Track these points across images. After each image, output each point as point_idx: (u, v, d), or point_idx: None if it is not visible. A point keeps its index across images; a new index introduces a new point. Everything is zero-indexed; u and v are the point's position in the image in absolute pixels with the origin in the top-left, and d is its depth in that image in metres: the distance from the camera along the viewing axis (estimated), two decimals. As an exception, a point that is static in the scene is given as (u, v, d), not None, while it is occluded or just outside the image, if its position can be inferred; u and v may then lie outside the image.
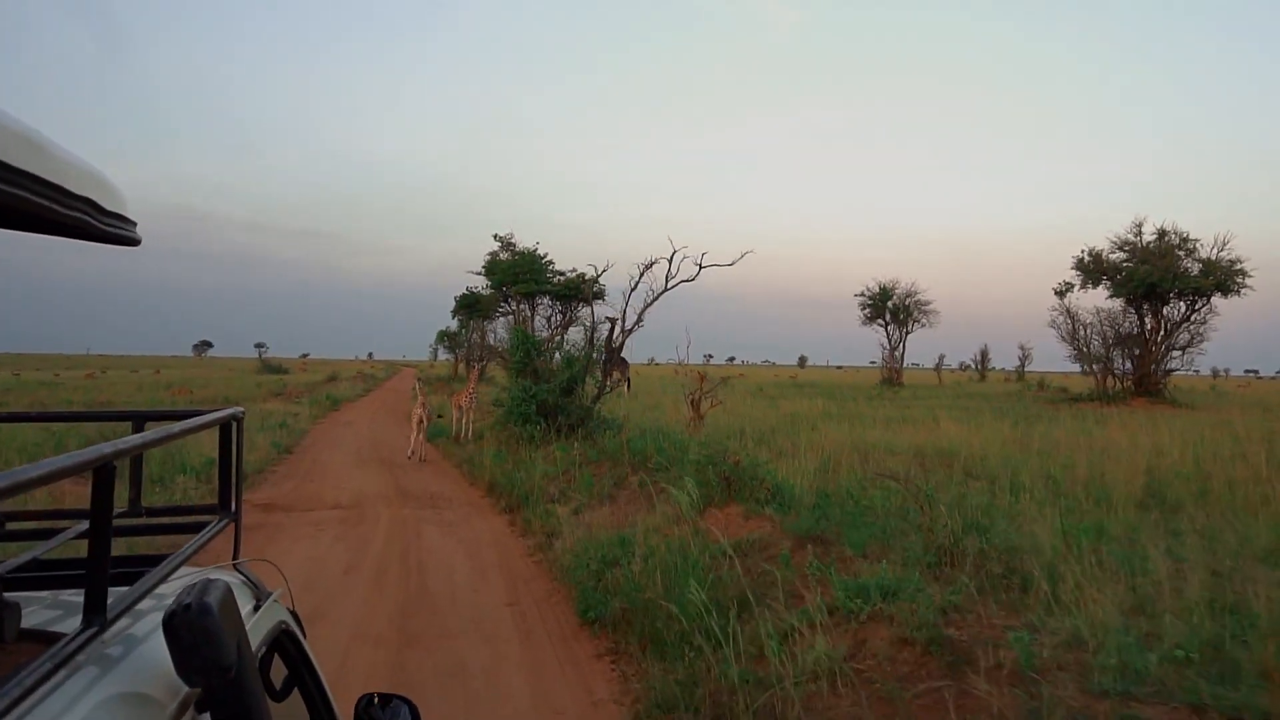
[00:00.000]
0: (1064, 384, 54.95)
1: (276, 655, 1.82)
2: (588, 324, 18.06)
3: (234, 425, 1.80)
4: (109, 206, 1.24)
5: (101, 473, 1.11)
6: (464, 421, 20.96)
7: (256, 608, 1.75)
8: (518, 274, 39.88)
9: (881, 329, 63.92)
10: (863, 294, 63.36)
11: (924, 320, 64.09)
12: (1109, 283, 38.40)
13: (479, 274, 42.67)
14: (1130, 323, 38.24)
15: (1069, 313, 39.47)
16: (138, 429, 1.92)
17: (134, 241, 1.38)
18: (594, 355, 17.65)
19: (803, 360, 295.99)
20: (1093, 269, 38.88)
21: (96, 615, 1.14)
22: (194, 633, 1.08)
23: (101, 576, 1.14)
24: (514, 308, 42.24)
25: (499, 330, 44.76)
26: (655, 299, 17.78)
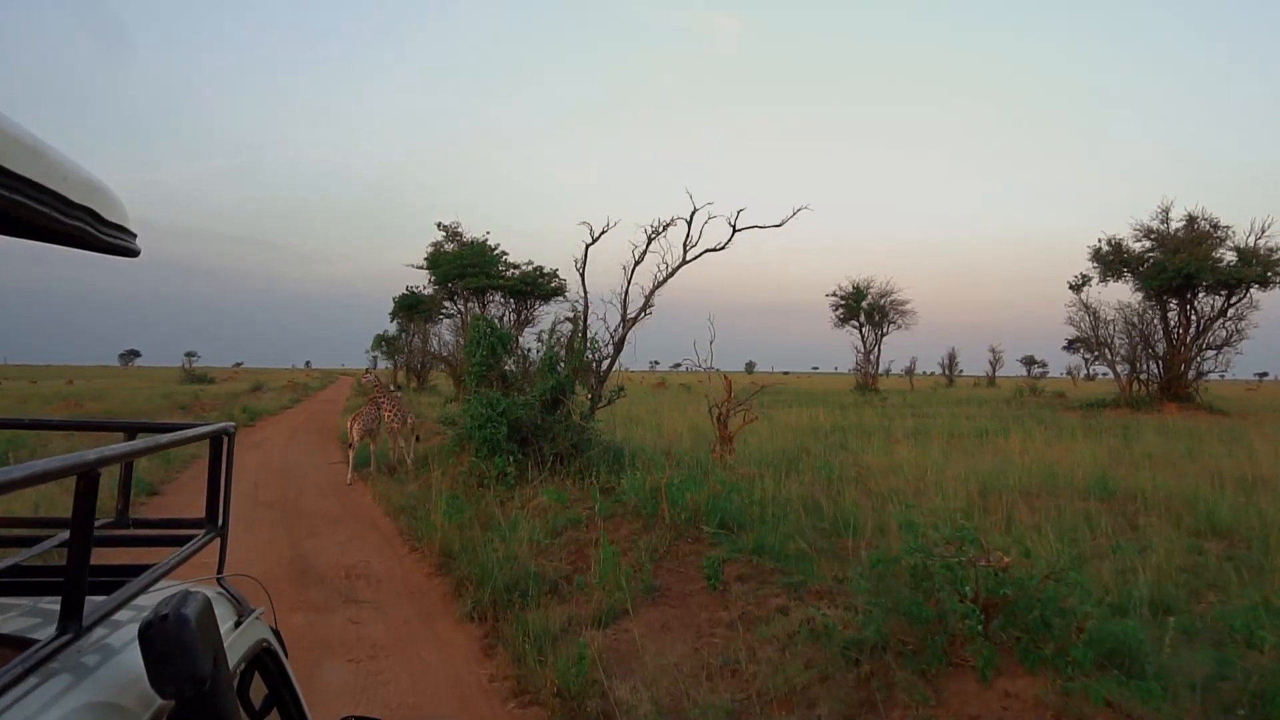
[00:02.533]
0: (1057, 389, 51.63)
1: (257, 673, 1.80)
2: (568, 316, 12.87)
3: (225, 439, 1.79)
4: (109, 217, 1.23)
5: (85, 479, 1.12)
6: (403, 447, 15.96)
7: (238, 624, 1.73)
8: (465, 267, 34.52)
9: (856, 331, 59.96)
10: (835, 294, 59.06)
11: (900, 322, 60.22)
12: (1131, 275, 34.39)
13: (421, 268, 37.10)
14: (1155, 320, 34.23)
15: (1089, 309, 35.32)
16: (129, 439, 1.85)
17: (134, 253, 1.36)
18: (590, 352, 12.50)
19: (750, 366, 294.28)
20: (1113, 260, 34.79)
21: (72, 622, 1.15)
22: (169, 643, 1.07)
23: (79, 583, 1.16)
24: (461, 307, 36.81)
25: (443, 333, 39.24)
26: (671, 274, 12.78)
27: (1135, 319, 34.36)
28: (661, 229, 12.70)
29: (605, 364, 12.80)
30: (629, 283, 12.90)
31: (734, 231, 12.67)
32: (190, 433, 1.62)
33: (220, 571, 1.92)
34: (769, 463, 12.74)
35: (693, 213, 12.74)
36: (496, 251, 35.60)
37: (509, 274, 35.20)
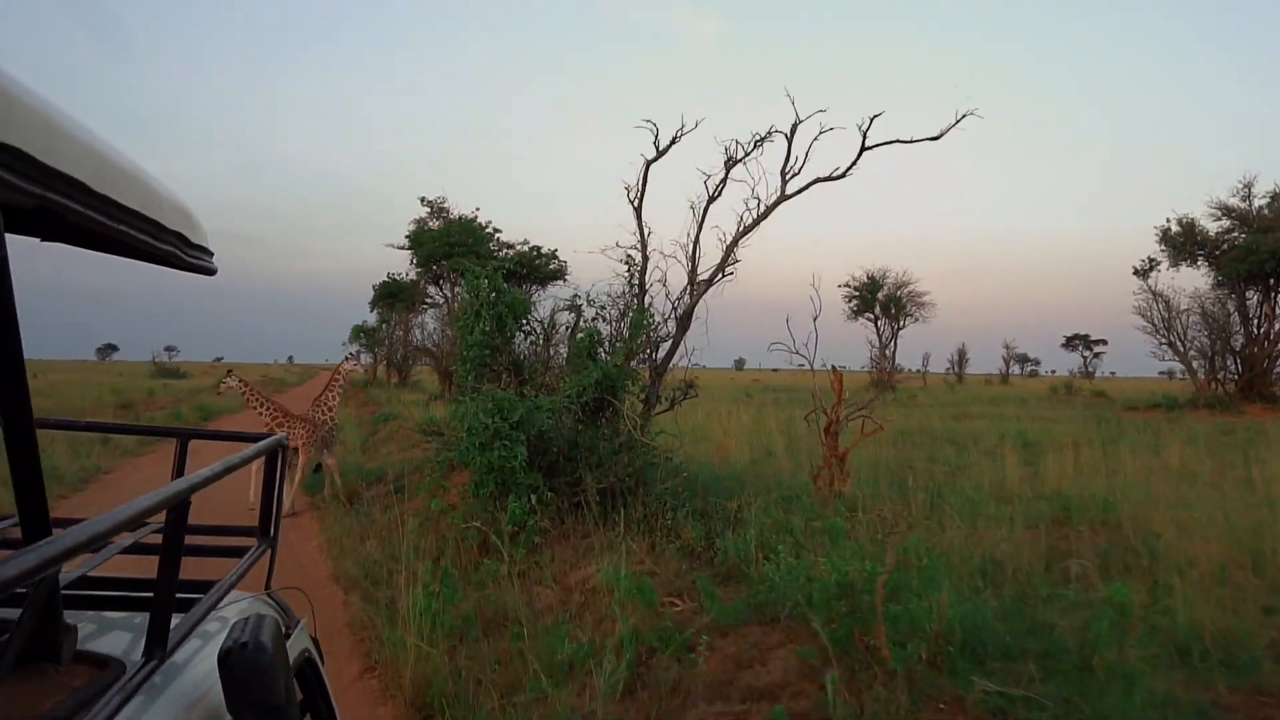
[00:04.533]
0: (1094, 389, 47.86)
1: (296, 683, 1.75)
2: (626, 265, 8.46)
3: (280, 452, 1.82)
4: (195, 240, 1.31)
5: (177, 510, 1.16)
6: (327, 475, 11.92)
7: (286, 636, 1.66)
8: (452, 245, 30.16)
9: (870, 324, 56.10)
10: (848, 284, 55.01)
11: (918, 314, 56.44)
12: (1205, 260, 30.39)
13: (402, 248, 32.70)
14: (1232, 310, 30.21)
15: (1159, 297, 31.25)
16: (183, 446, 1.99)
17: (213, 271, 1.43)
18: (647, 330, 8.20)
19: (740, 363, 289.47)
20: (1184, 243, 30.74)
21: (158, 647, 1.16)
22: (248, 671, 1.08)
23: (166, 609, 1.17)
24: (447, 292, 32.48)
25: (427, 323, 34.85)
26: (765, 214, 8.60)
27: (1213, 308, 30.27)
28: (753, 146, 8.50)
29: (665, 348, 8.58)
30: (700, 226, 8.69)
31: (862, 150, 8.48)
32: (252, 450, 1.58)
33: (269, 582, 1.92)
34: (897, 490, 8.65)
35: (794, 126, 8.54)
36: (488, 229, 31.31)
37: (502, 254, 30.89)
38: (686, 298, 8.69)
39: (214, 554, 1.90)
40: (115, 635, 1.38)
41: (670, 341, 8.53)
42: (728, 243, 8.64)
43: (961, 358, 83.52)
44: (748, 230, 8.65)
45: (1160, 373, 57.41)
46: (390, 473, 12.76)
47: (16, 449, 1.03)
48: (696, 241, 8.73)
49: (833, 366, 9.27)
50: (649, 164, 8.61)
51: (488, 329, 7.78)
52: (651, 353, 8.33)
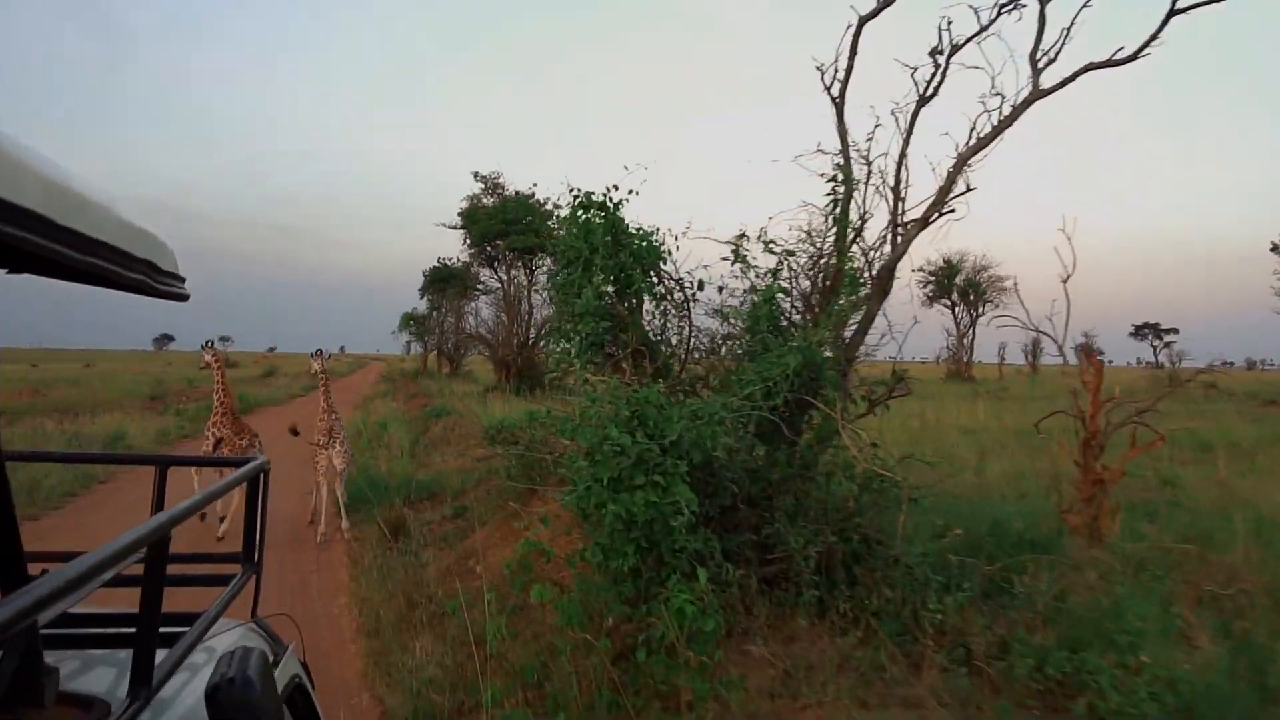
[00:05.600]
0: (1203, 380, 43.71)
1: (286, 709, 1.72)
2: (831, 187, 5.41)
3: (261, 477, 1.76)
4: (165, 267, 1.26)
5: (157, 547, 1.10)
6: (318, 502, 9.10)
7: (275, 662, 1.69)
8: (509, 223, 27.52)
9: (948, 311, 52.50)
10: (922, 269, 51.32)
11: (999, 301, 52.70)
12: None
13: (454, 227, 30.11)
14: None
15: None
16: (161, 474, 1.94)
17: (185, 297, 1.38)
18: (850, 289, 5.21)
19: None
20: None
21: (142, 687, 1.11)
22: (236, 708, 1.08)
23: (149, 649, 1.12)
24: (502, 275, 29.83)
25: (481, 309, 32.22)
26: (1008, 121, 5.64)
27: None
28: (996, 12, 5.56)
29: (854, 321, 5.68)
30: (906, 140, 5.76)
31: (1172, 13, 5.49)
32: (233, 476, 1.53)
33: (255, 610, 1.88)
34: (1167, 526, 5.82)
35: (1047, -6, 5.59)
36: (546, 205, 28.60)
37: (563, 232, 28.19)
38: (886, 247, 5.80)
39: (197, 584, 1.82)
40: (98, 673, 1.34)
41: (863, 312, 5.62)
42: (955, 161, 5.71)
43: (1036, 348, 79.32)
44: (984, 143, 5.73)
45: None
46: (447, 487, 10.08)
47: None
48: (902, 162, 5.82)
49: (1086, 350, 6.36)
50: (862, 23, 5.67)
51: (604, 290, 4.98)
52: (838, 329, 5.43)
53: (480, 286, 34.66)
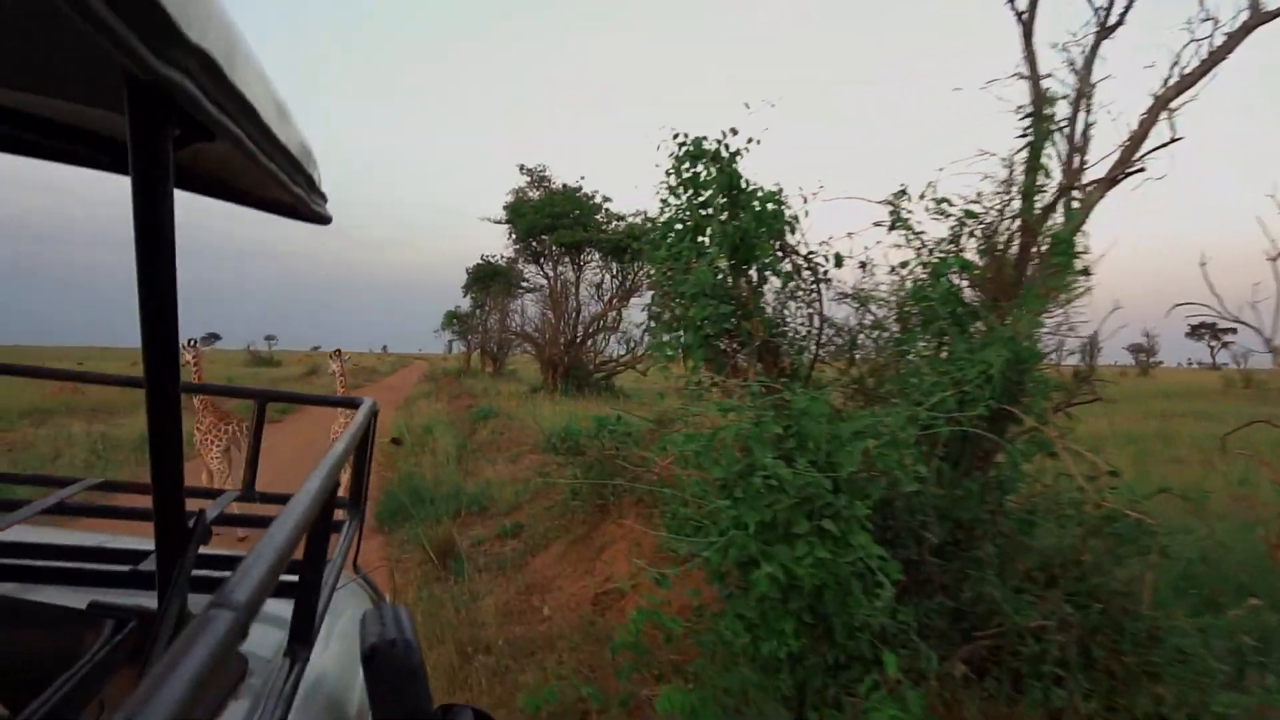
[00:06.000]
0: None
1: None
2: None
3: (372, 419, 1.67)
4: (319, 185, 1.18)
5: (326, 492, 0.92)
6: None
7: None
8: (556, 217, 26.47)
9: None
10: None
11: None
12: None
13: (499, 222, 29.10)
14: None
15: None
16: (260, 408, 1.92)
17: (329, 220, 1.30)
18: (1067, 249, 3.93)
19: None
20: None
21: (303, 647, 1.06)
22: (398, 673, 1.00)
23: (312, 608, 1.08)
24: (549, 271, 28.76)
25: (527, 307, 31.13)
26: (1227, 48, 4.38)
27: None
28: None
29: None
30: (1086, 74, 4.52)
31: None
32: (358, 421, 1.41)
33: (356, 560, 1.80)
34: None
35: None
36: (594, 199, 27.51)
37: (611, 226, 27.06)
38: (1057, 215, 4.57)
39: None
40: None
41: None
42: (1151, 105, 4.46)
43: (1150, 345, 76.78)
44: (1190, 81, 4.47)
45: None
46: (499, 500, 8.99)
47: (160, 421, 0.88)
48: (1079, 108, 4.57)
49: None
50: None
51: (721, 265, 3.79)
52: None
53: (525, 284, 33.73)
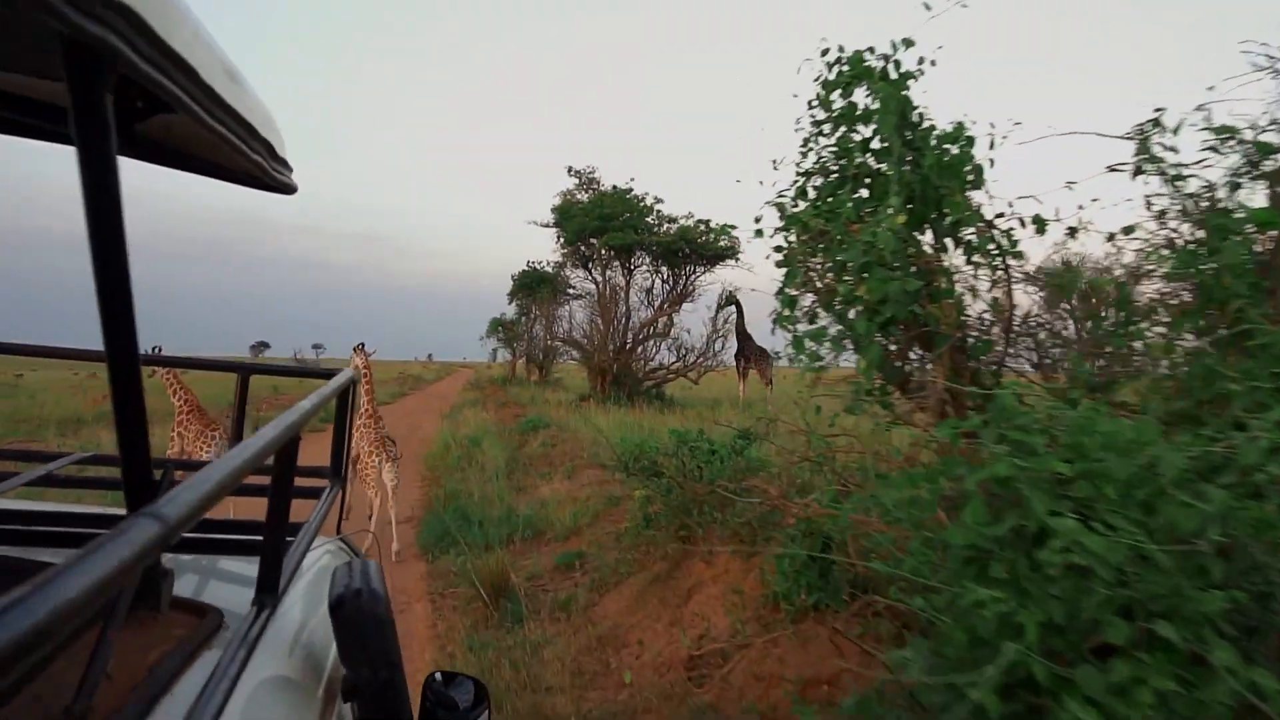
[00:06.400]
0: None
1: None
2: None
3: (351, 388, 1.71)
4: (280, 152, 1.16)
5: (286, 451, 1.04)
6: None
7: None
8: (606, 219, 25.51)
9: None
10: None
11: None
12: None
13: (546, 225, 28.21)
14: None
15: None
16: (244, 380, 1.95)
17: (294, 189, 1.30)
18: None
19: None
20: None
21: (269, 596, 1.11)
22: (365, 620, 1.06)
23: (277, 556, 1.12)
24: (597, 276, 27.75)
25: (575, 313, 30.07)
26: None
27: None
28: None
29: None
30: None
31: None
32: (328, 388, 1.37)
33: (340, 525, 1.90)
34: None
35: None
36: (644, 201, 26.49)
37: (663, 229, 26.03)
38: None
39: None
40: (206, 580, 1.32)
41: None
42: None
43: None
44: None
45: None
46: (556, 522, 7.97)
47: (121, 383, 0.88)
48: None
49: None
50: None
51: (898, 225, 2.69)
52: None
53: (571, 290, 32.82)
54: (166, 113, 0.81)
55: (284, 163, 1.18)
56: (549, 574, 6.65)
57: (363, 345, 8.83)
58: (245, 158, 1.00)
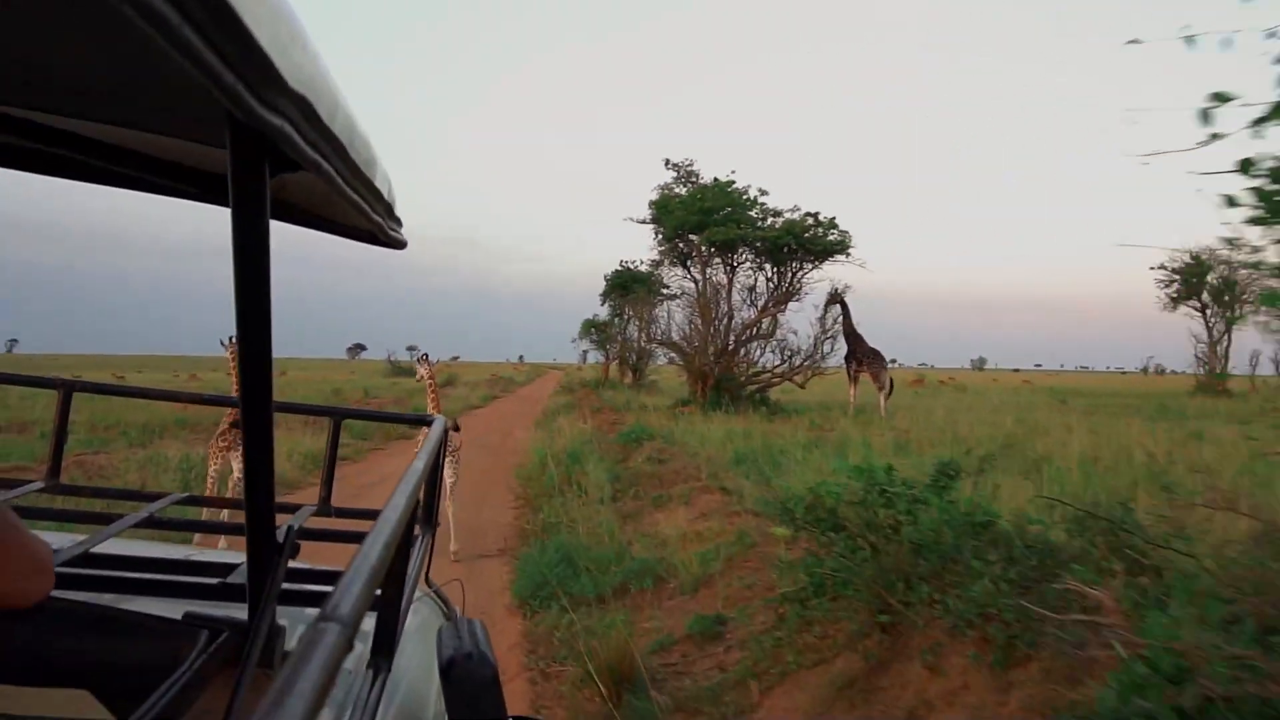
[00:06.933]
0: None
1: None
2: None
3: (444, 435, 1.66)
4: (395, 212, 1.22)
5: (411, 505, 0.97)
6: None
7: None
8: (708, 213, 23.93)
9: (1198, 315, 44.68)
10: (1163, 266, 43.75)
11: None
12: None
13: (644, 222, 26.78)
14: None
15: None
16: (336, 425, 1.99)
17: (405, 245, 1.37)
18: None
19: (980, 362, 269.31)
20: None
21: (385, 659, 1.11)
22: (475, 685, 1.06)
23: (394, 622, 1.13)
24: (697, 274, 26.14)
25: (672, 313, 28.33)
26: None
27: None
28: None
29: None
30: None
31: None
32: (432, 438, 1.51)
33: (428, 573, 1.84)
34: None
35: None
36: (746, 195, 24.80)
37: (768, 223, 24.32)
38: None
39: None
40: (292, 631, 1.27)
41: None
42: None
43: None
44: None
45: None
46: (680, 568, 6.46)
47: (254, 438, 0.92)
48: None
49: None
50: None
51: None
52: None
53: (665, 290, 31.33)
54: (291, 172, 0.80)
55: (399, 221, 1.23)
56: (681, 645, 5.14)
57: (426, 356, 9.08)
58: (368, 219, 1.05)
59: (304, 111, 0.65)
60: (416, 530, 1.65)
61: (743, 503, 8.37)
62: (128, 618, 1.13)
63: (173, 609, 1.17)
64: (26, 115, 0.92)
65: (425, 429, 2.65)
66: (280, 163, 0.78)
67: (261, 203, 0.75)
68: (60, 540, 1.41)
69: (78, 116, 0.93)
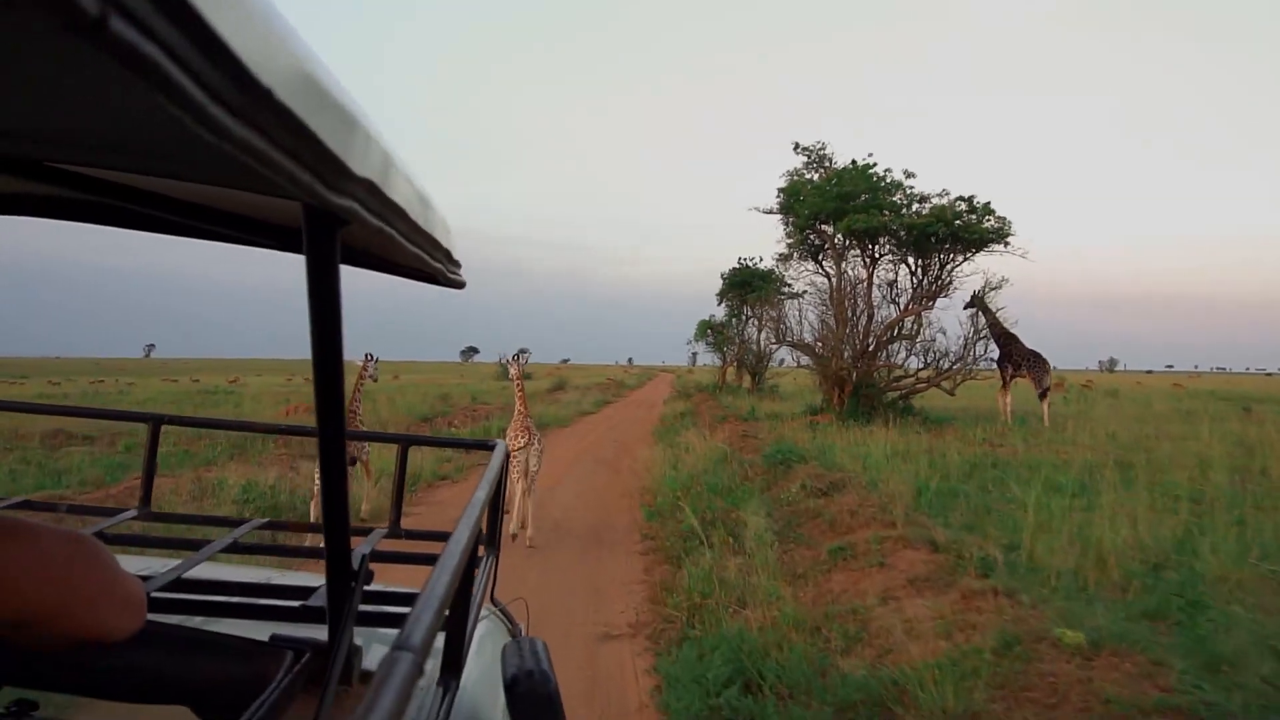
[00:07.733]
0: None
1: None
2: None
3: (505, 459, 1.68)
4: (456, 255, 1.30)
5: (474, 542, 1.03)
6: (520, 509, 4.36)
7: None
8: (844, 199, 21.28)
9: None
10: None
11: None
12: None
13: (771, 211, 24.29)
14: None
15: None
16: (403, 451, 2.00)
17: (464, 285, 1.41)
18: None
19: (1110, 364, 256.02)
20: None
21: (453, 676, 1.15)
22: (539, 701, 1.09)
23: (462, 638, 1.16)
24: (829, 268, 23.44)
25: (804, 311, 25.28)
26: None
27: None
28: None
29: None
30: None
31: None
32: (495, 464, 1.55)
33: (493, 592, 1.87)
34: None
35: None
36: (887, 179, 22.02)
37: (913, 210, 21.51)
38: None
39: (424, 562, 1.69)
40: (376, 652, 1.33)
41: None
42: None
43: None
44: None
45: None
46: (920, 702, 4.08)
47: (329, 468, 0.98)
48: None
49: None
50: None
51: None
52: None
53: (787, 288, 28.70)
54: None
55: (457, 264, 1.28)
56: None
57: (517, 356, 9.49)
58: (428, 264, 1.10)
59: (370, 189, 0.69)
60: (481, 551, 1.65)
61: (964, 564, 5.98)
62: (220, 639, 1.21)
63: (257, 630, 1.25)
64: (126, 180, 0.98)
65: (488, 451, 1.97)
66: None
67: (333, 257, 0.82)
68: (154, 565, 1.59)
69: (168, 177, 0.98)
